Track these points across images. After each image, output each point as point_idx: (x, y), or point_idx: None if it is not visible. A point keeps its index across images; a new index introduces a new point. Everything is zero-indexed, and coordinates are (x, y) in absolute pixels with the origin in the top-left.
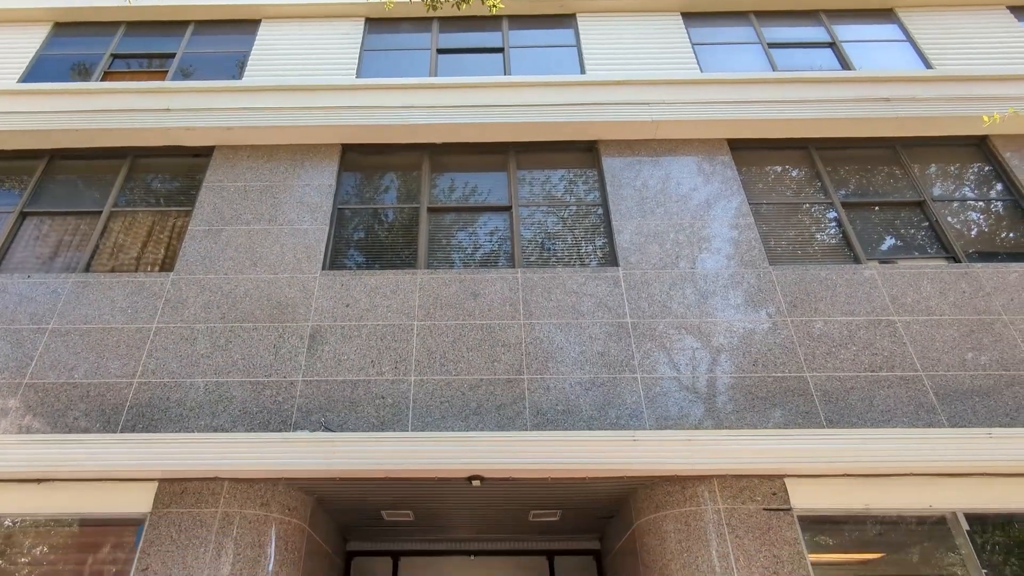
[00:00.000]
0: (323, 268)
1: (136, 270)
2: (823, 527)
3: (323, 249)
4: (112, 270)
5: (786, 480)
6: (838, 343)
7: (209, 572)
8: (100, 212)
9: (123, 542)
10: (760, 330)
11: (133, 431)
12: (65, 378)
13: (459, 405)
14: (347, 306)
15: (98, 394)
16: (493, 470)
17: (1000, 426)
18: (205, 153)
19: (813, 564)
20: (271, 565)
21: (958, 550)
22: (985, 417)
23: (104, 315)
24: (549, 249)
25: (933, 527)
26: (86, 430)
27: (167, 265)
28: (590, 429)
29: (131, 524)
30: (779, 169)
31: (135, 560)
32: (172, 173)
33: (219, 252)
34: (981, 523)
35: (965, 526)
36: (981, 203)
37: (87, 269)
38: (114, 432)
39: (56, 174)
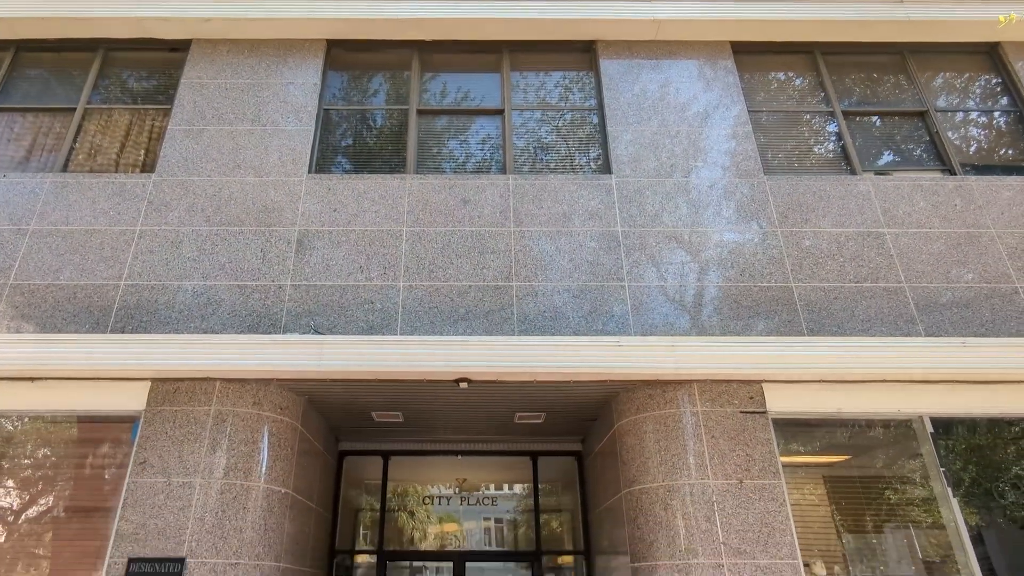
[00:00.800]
0: (309, 171)
1: (116, 171)
2: (795, 430)
3: (309, 152)
4: (91, 171)
5: (764, 385)
6: (826, 254)
7: (205, 465)
8: (74, 109)
9: (120, 438)
10: (750, 241)
11: (123, 333)
12: (50, 280)
13: (448, 311)
14: (334, 211)
15: (85, 296)
16: (480, 373)
17: (975, 336)
18: (182, 47)
19: (784, 465)
20: (265, 460)
21: (921, 452)
22: (962, 327)
23: (86, 217)
24: (542, 156)
25: (899, 430)
26: (75, 331)
27: (148, 167)
28: (576, 335)
29: (127, 421)
30: (782, 76)
31: (132, 454)
32: (148, 69)
33: (201, 153)
34: (945, 427)
35: (930, 429)
36: (984, 116)
37: (64, 169)
38: (104, 333)
39: (24, 67)
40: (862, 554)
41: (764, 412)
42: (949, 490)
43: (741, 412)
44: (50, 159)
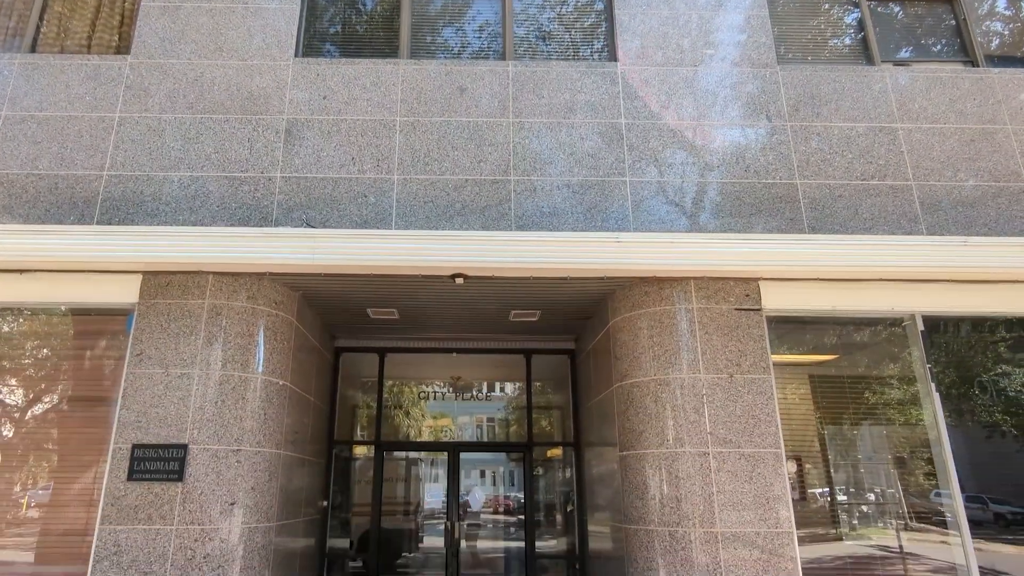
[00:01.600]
0: (296, 55)
1: (88, 52)
2: (788, 327)
3: (294, 33)
4: (61, 51)
5: (760, 283)
6: (835, 150)
7: (202, 358)
8: None
9: (116, 330)
10: (757, 136)
11: (109, 225)
12: (29, 169)
13: (443, 205)
14: (324, 98)
15: (67, 187)
16: (477, 268)
17: (978, 235)
18: None
19: (775, 364)
20: (261, 353)
21: (909, 350)
22: (965, 227)
23: (60, 102)
24: (544, 46)
25: (890, 328)
26: (59, 222)
27: (122, 48)
28: (575, 232)
29: (120, 314)
30: None
31: (129, 346)
32: None
33: (179, 34)
34: (935, 326)
35: (921, 327)
36: (1011, 9)
37: (32, 50)
38: (89, 225)
39: None
40: (842, 447)
41: (759, 309)
42: (932, 385)
43: (736, 309)
44: (15, 42)
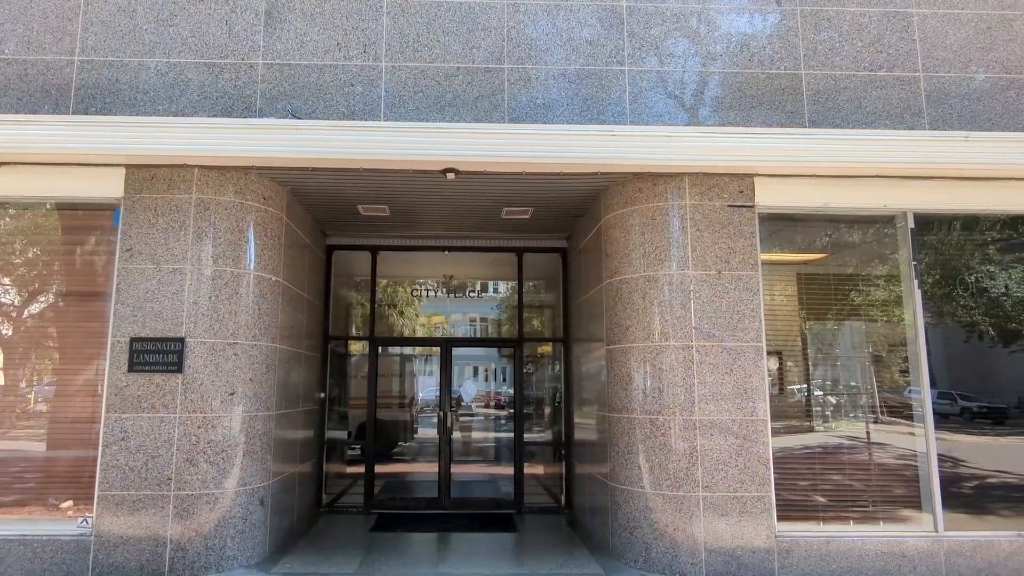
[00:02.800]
0: None
1: None
2: (779, 225)
3: None
4: None
5: (755, 179)
6: (844, 38)
7: (193, 253)
8: None
9: (103, 225)
10: (766, 22)
11: (87, 115)
12: None
13: (434, 96)
14: None
15: (38, 73)
16: (468, 162)
17: (981, 130)
18: None
19: (763, 262)
20: (252, 249)
21: (896, 249)
22: (969, 121)
23: None
24: None
25: (881, 226)
26: (33, 112)
27: None
28: (570, 124)
29: (106, 208)
30: None
31: (118, 241)
32: None
33: None
34: (926, 224)
35: (911, 225)
36: None
37: None
38: (66, 115)
39: None
40: (822, 344)
41: (752, 206)
42: (916, 283)
43: (729, 206)
44: None
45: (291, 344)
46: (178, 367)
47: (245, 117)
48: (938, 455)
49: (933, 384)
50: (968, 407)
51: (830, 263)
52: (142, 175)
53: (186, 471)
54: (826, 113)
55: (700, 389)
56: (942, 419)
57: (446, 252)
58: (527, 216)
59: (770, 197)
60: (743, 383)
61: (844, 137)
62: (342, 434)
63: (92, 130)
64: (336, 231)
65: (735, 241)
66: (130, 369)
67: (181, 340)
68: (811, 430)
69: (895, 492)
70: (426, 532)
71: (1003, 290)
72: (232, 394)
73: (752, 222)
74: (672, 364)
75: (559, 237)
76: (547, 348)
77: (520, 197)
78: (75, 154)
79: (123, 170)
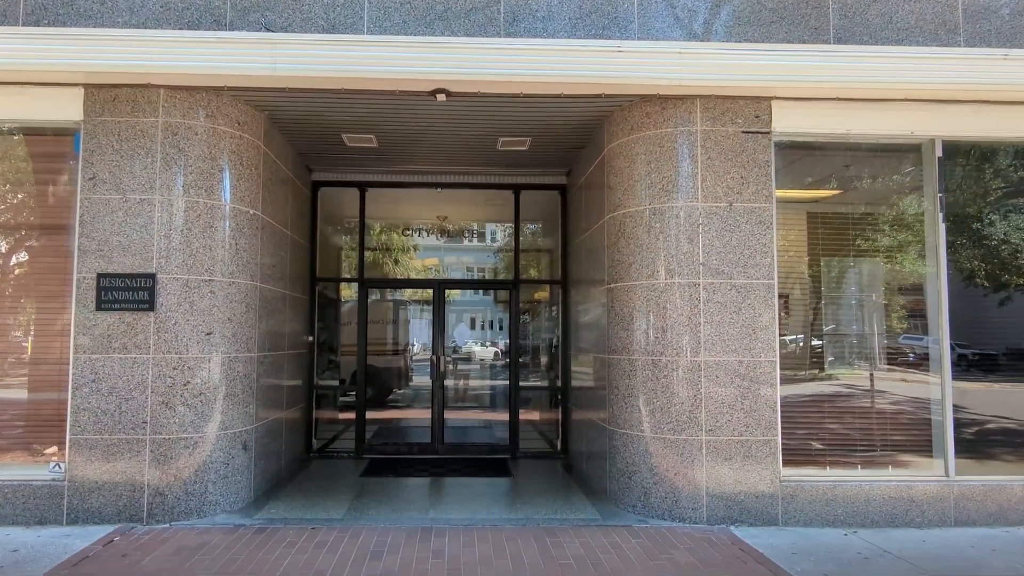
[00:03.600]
0: None
1: None
2: (796, 154)
3: None
4: None
5: (773, 103)
6: None
7: (162, 182)
8: None
9: (63, 152)
10: None
11: (39, 27)
12: None
13: (423, 8)
14: None
15: None
16: (461, 81)
17: (1021, 47)
18: None
19: (778, 199)
20: (227, 179)
21: (922, 178)
22: (1008, 39)
23: None
24: None
25: (905, 155)
26: None
27: None
28: (572, 39)
29: (65, 133)
30: None
31: (80, 169)
32: None
33: None
34: (953, 152)
35: (939, 153)
36: None
37: None
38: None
39: None
40: (836, 284)
41: (768, 132)
42: (940, 215)
43: (743, 132)
44: None
45: (274, 284)
46: (149, 305)
47: (214, 30)
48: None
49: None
50: (965, 355)
51: (847, 198)
52: (103, 96)
53: (162, 415)
54: (853, 29)
55: (706, 329)
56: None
57: (439, 190)
58: (525, 148)
59: (788, 122)
60: (752, 323)
61: (872, 54)
62: (334, 381)
63: (45, 43)
64: (321, 166)
65: (748, 171)
66: (98, 307)
67: (152, 276)
68: (820, 374)
69: (904, 438)
70: (418, 477)
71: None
72: (209, 334)
73: (767, 150)
74: (677, 303)
75: (558, 173)
76: (544, 293)
77: (517, 125)
78: (27, 71)
79: (81, 90)
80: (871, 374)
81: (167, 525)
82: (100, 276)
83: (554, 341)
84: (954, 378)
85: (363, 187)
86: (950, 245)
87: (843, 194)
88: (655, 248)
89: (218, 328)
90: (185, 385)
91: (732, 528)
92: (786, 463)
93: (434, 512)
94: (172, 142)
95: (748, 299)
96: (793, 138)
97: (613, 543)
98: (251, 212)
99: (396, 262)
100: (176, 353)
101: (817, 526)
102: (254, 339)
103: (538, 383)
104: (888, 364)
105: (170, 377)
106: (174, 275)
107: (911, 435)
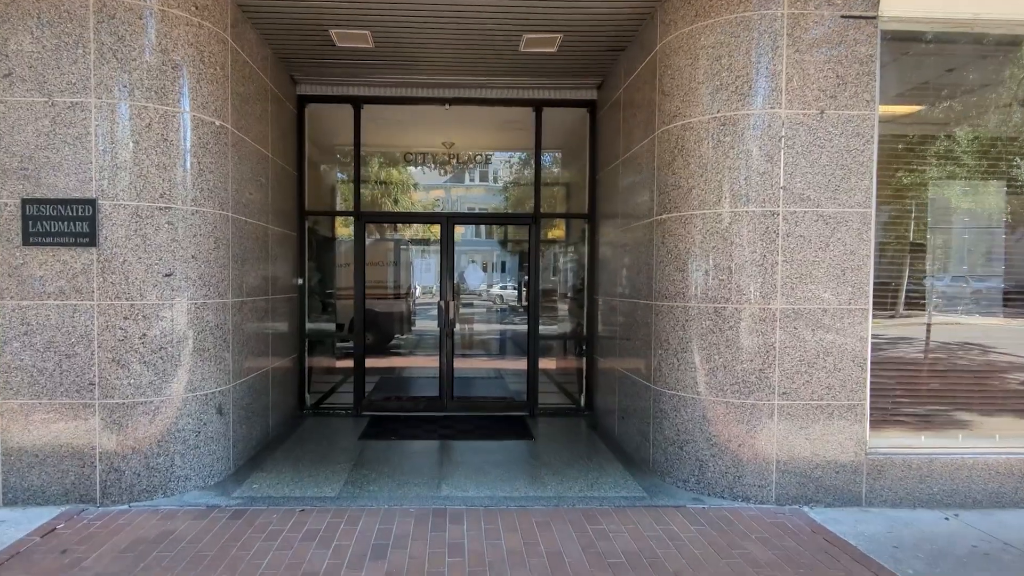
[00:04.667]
0: None
1: None
2: (905, 47)
3: None
4: None
5: None
6: None
7: (98, 81)
8: None
9: None
10: None
11: None
12: None
13: None
14: None
15: None
16: None
17: None
18: None
19: (882, 118)
20: (184, 79)
21: None
22: None
23: None
24: None
25: None
26: None
27: None
28: None
29: None
30: None
31: None
32: None
33: None
34: None
35: None
36: None
37: None
38: None
39: None
40: (946, 214)
41: (874, 16)
42: None
43: (843, 17)
44: None
45: (252, 216)
46: (90, 239)
47: None
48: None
49: None
50: None
51: (968, 105)
52: None
53: (114, 374)
54: None
55: (785, 269)
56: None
57: (447, 106)
58: (553, 49)
59: (900, 5)
60: (842, 261)
61: None
62: (330, 328)
63: None
64: (308, 76)
65: (847, 68)
66: (25, 242)
67: (91, 203)
68: (919, 324)
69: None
70: (425, 440)
71: None
72: (168, 276)
73: (873, 41)
74: (749, 237)
75: (588, 85)
76: (561, 231)
77: (546, 18)
78: None
79: None
80: (985, 325)
81: (125, 507)
82: (25, 202)
83: (578, 283)
84: None
85: (357, 103)
86: None
87: (965, 96)
88: (722, 168)
89: (180, 268)
90: (141, 338)
91: (806, 509)
92: (873, 431)
93: (447, 487)
94: (109, 28)
95: (838, 232)
96: (904, 26)
97: (669, 532)
98: (217, 124)
99: (396, 201)
100: (127, 299)
101: (907, 507)
102: (227, 282)
103: (558, 329)
104: (1008, 313)
105: (121, 329)
106: (120, 201)
107: None
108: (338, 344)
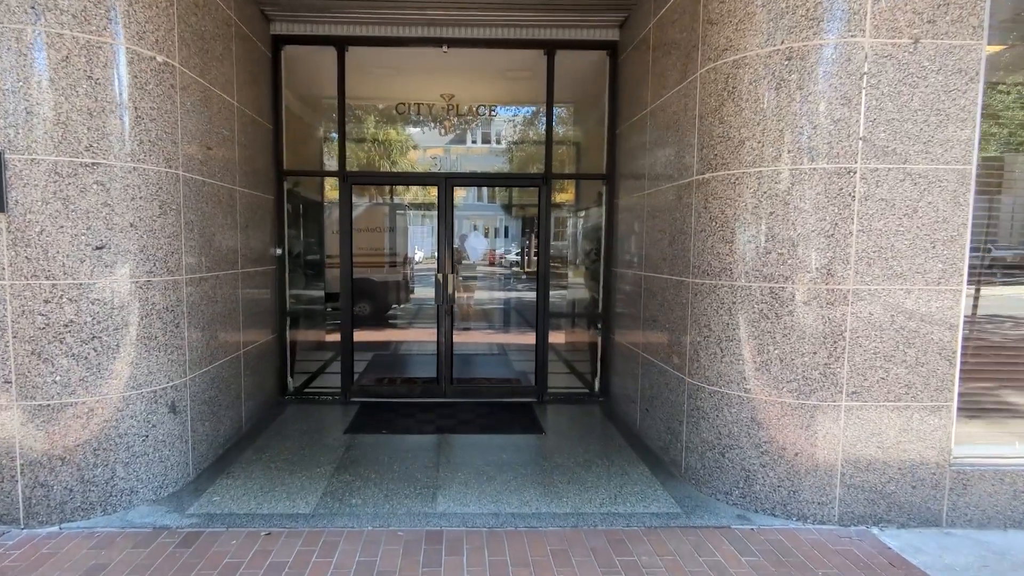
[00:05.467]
0: None
1: None
2: None
3: None
4: None
5: None
6: None
7: None
8: None
9: None
10: None
11: None
12: None
13: None
14: None
15: None
16: None
17: None
18: None
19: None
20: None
21: None
22: None
23: None
24: None
25: None
26: None
27: None
28: None
29: None
30: None
31: None
32: None
33: None
34: None
35: None
36: None
37: None
38: None
39: None
40: None
41: None
42: None
43: None
44: None
45: (214, 175)
46: None
47: None
48: None
49: None
50: None
51: None
52: None
53: (35, 370)
54: None
55: (861, 241)
56: None
57: (445, 49)
58: None
59: None
60: (932, 231)
61: None
62: (315, 305)
63: None
64: (282, 10)
65: None
66: None
67: None
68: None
69: None
70: (421, 435)
71: None
72: (100, 248)
73: None
74: (817, 200)
75: (610, 23)
76: (573, 196)
77: None
78: None
79: None
80: None
81: (55, 528)
82: None
83: (591, 254)
84: None
85: (341, 44)
86: None
87: None
88: (785, 114)
89: (115, 240)
90: (67, 326)
91: (876, 532)
92: (960, 438)
93: (444, 500)
94: None
95: (929, 194)
96: None
97: (716, 566)
98: (159, 60)
99: (393, 163)
100: (48, 279)
101: (996, 528)
102: (179, 254)
103: (570, 305)
104: None
105: (42, 315)
106: (33, 155)
107: None
108: (327, 321)
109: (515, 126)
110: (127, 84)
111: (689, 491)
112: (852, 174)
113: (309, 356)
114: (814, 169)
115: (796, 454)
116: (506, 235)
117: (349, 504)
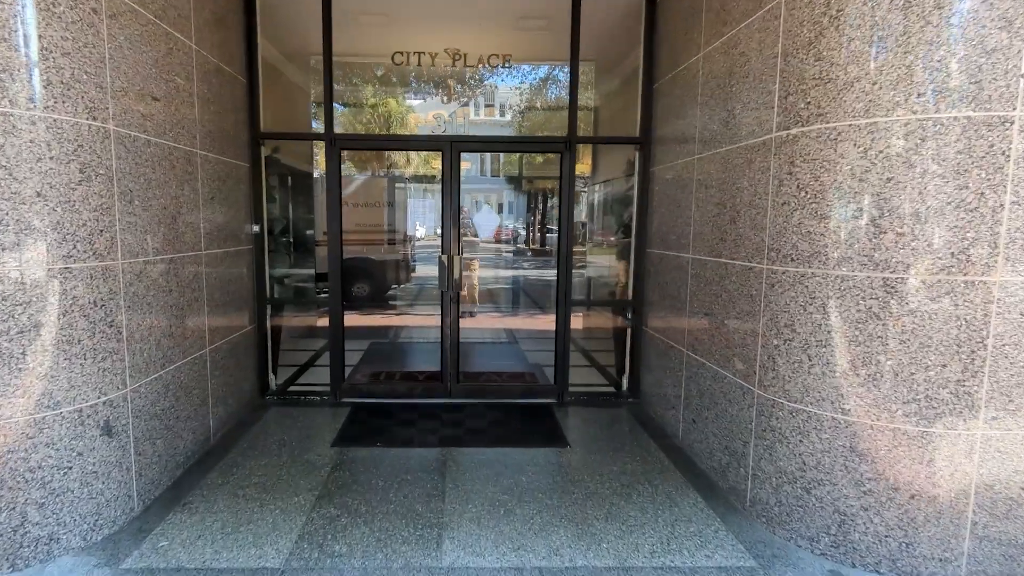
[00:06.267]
0: None
1: None
2: None
3: None
4: None
5: None
6: None
7: None
8: None
9: None
10: None
11: None
12: None
13: None
14: None
15: None
16: None
17: None
18: None
19: None
20: None
21: None
22: None
23: None
24: None
25: None
26: None
27: None
28: None
29: None
30: None
31: None
32: None
33: None
34: None
35: None
36: None
37: None
38: None
39: None
40: None
41: None
42: None
43: None
44: None
45: (163, 133)
46: None
47: None
48: None
49: None
50: None
51: None
52: None
53: None
54: None
55: (1016, 216)
56: None
57: None
58: None
59: None
60: None
61: None
62: (304, 284)
63: None
64: None
65: None
66: None
67: None
68: None
69: None
70: (423, 447)
71: None
72: None
73: None
74: (956, 161)
75: None
76: (587, 166)
77: None
78: None
79: None
80: None
81: None
82: None
83: (620, 231)
84: None
85: None
86: None
87: None
88: (914, 43)
89: (15, 214)
90: None
91: None
92: None
93: (451, 545)
94: None
95: None
96: None
97: None
98: None
99: (389, 128)
100: None
101: None
102: (111, 233)
103: (592, 293)
104: None
105: None
106: None
107: None
108: (322, 305)
109: (531, 86)
110: (24, 3)
111: (760, 533)
112: (1008, 125)
113: (298, 345)
114: (954, 118)
115: (912, 496)
116: (518, 210)
117: (331, 552)
